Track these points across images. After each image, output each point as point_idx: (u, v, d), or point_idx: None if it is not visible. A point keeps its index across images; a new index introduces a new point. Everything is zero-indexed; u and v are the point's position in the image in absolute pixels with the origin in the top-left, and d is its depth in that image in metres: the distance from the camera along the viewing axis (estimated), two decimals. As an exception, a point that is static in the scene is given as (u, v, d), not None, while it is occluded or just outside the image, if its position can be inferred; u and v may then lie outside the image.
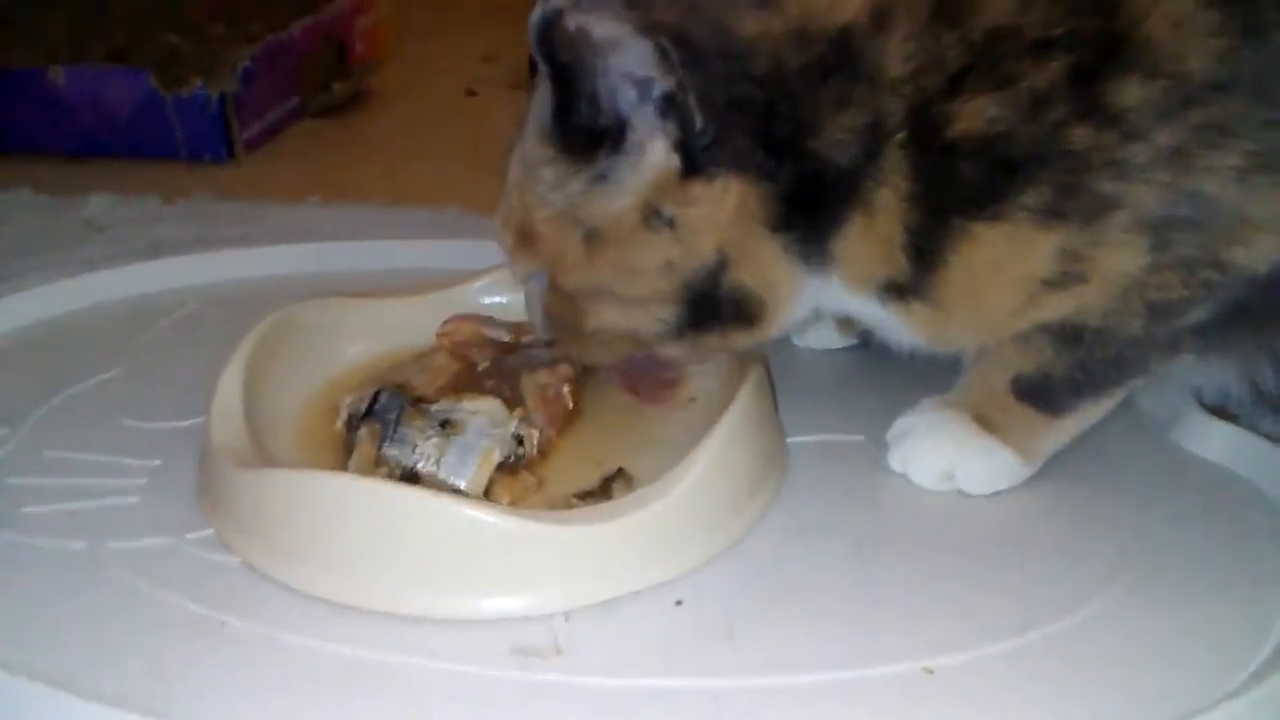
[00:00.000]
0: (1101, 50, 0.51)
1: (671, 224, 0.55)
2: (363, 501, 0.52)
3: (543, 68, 0.54)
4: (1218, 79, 0.51)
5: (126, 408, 0.68)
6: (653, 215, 0.55)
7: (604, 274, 0.57)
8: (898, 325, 0.60)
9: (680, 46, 0.51)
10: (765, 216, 0.55)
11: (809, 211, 0.55)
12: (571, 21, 0.51)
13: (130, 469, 0.62)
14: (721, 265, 0.55)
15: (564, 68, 0.52)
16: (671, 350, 0.61)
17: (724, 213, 0.55)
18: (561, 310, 0.60)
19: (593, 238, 0.56)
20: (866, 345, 0.74)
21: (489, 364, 0.65)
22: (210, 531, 0.57)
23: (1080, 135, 0.52)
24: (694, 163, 0.54)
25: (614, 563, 0.53)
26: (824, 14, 0.53)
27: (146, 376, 0.72)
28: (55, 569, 0.54)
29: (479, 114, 1.36)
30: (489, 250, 0.78)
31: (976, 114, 0.52)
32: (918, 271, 0.55)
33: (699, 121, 0.53)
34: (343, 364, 0.68)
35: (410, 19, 1.56)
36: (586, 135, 0.54)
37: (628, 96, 0.53)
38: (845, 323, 0.72)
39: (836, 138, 0.53)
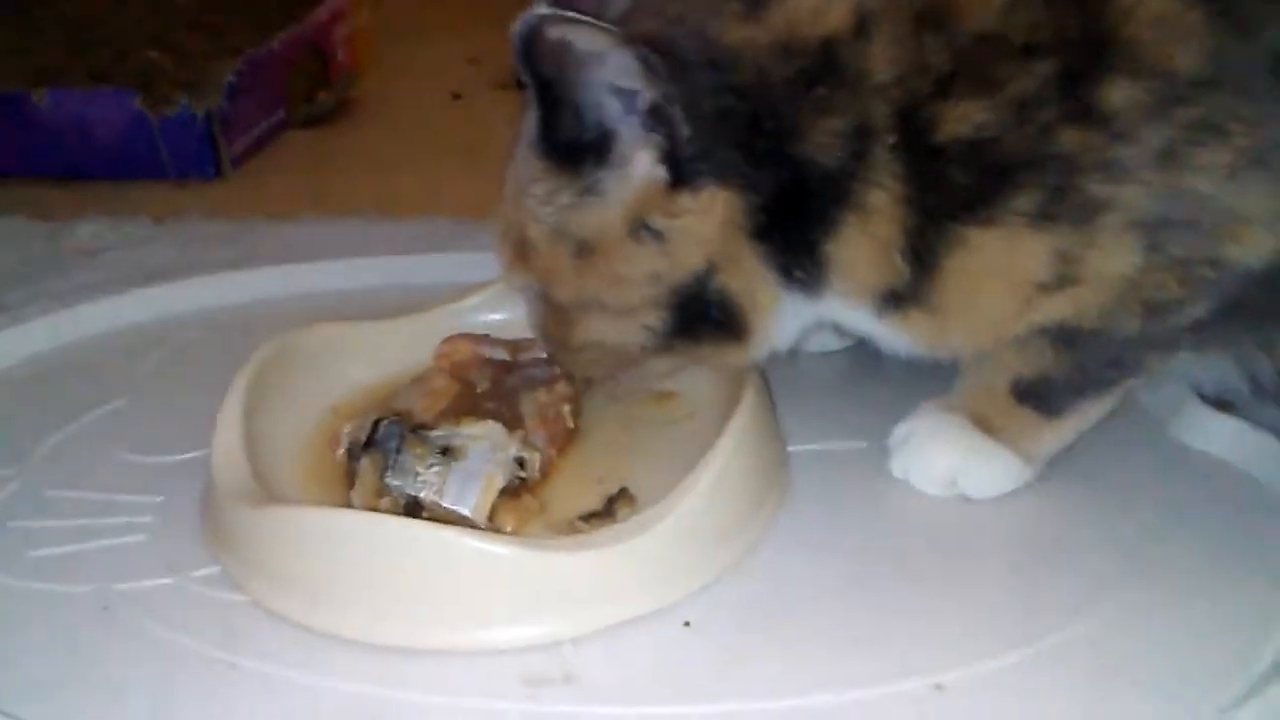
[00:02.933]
0: (1087, 53, 0.51)
1: (659, 236, 0.55)
2: (369, 537, 0.52)
3: (526, 80, 0.53)
4: (1204, 77, 0.51)
5: (129, 441, 0.68)
6: (640, 228, 0.55)
7: (593, 285, 0.57)
8: (894, 336, 0.60)
9: (664, 57, 0.51)
10: (749, 226, 0.55)
11: (796, 221, 0.55)
12: (553, 33, 0.50)
13: (134, 506, 0.62)
14: (710, 272, 0.56)
15: (547, 80, 0.52)
16: (658, 366, 0.61)
17: (710, 224, 0.55)
18: (553, 323, 0.61)
19: (583, 250, 0.56)
20: (865, 343, 0.74)
21: (489, 385, 0.65)
22: (217, 569, 0.57)
23: (1069, 138, 0.52)
24: (680, 173, 0.54)
25: (621, 587, 0.53)
26: (808, 25, 0.54)
27: (148, 408, 0.72)
28: (61, 614, 0.54)
29: (466, 117, 1.35)
30: (484, 263, 0.79)
31: (964, 118, 0.52)
32: (916, 277, 0.55)
33: (685, 131, 0.53)
34: (342, 389, 0.68)
35: (389, 24, 1.55)
36: (572, 148, 0.54)
37: (613, 108, 0.53)
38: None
39: (821, 141, 0.53)
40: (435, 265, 0.89)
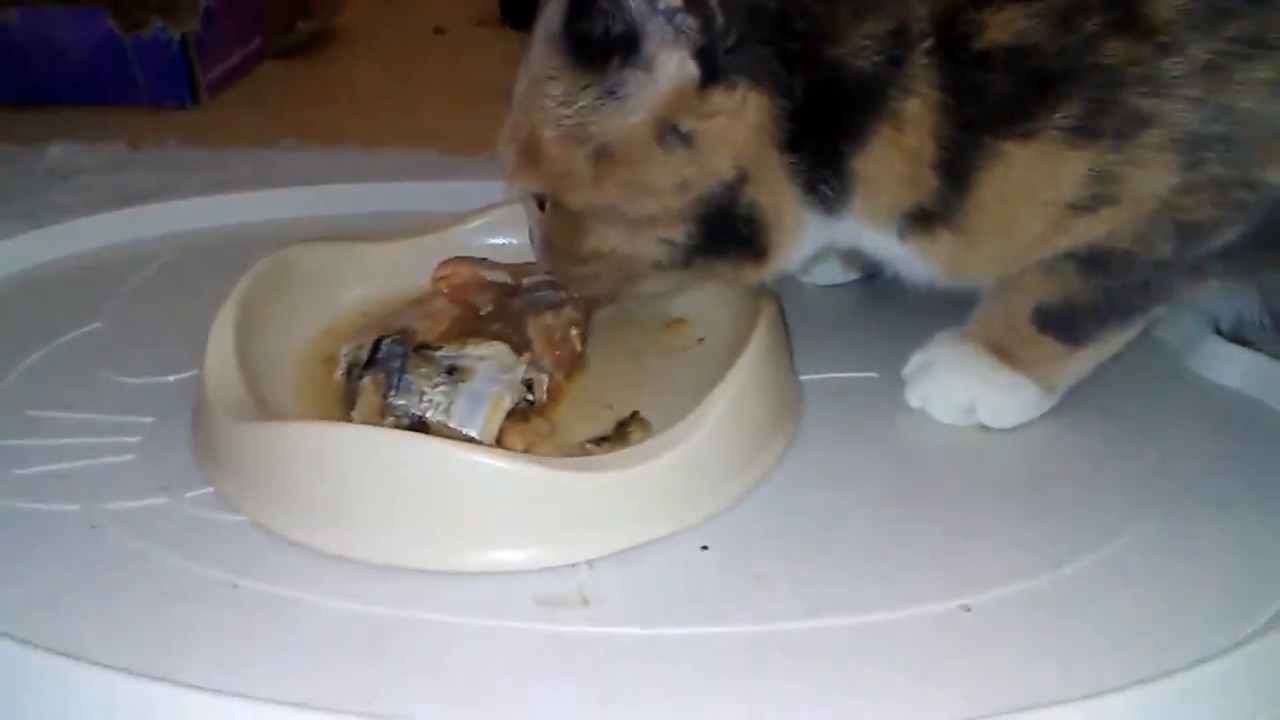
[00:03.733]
0: None
1: (688, 141, 0.53)
2: (378, 452, 0.50)
3: None
4: None
5: (111, 363, 0.65)
6: (668, 132, 0.53)
7: (612, 193, 0.55)
8: (915, 260, 0.58)
9: None
10: (779, 135, 0.53)
11: (826, 131, 0.53)
12: None
13: (121, 426, 0.59)
14: (740, 181, 0.54)
15: None
16: (660, 284, 0.59)
17: (742, 127, 0.53)
18: (559, 233, 0.58)
19: (602, 155, 0.54)
20: (872, 279, 0.73)
21: (492, 308, 0.63)
22: (210, 490, 0.54)
23: (1115, 49, 0.50)
24: (713, 69, 0.52)
25: (638, 509, 0.51)
26: None
27: (128, 330, 0.70)
28: (50, 533, 0.52)
29: (448, 52, 1.32)
30: (472, 193, 0.77)
31: (1006, 24, 0.51)
32: (948, 193, 0.54)
33: (720, 21, 0.51)
34: (336, 311, 0.66)
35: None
36: (598, 45, 0.52)
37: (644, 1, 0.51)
38: (850, 258, 0.70)
39: (858, 44, 0.52)
40: (420, 193, 0.87)
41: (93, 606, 0.48)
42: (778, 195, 0.55)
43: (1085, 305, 0.57)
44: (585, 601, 0.48)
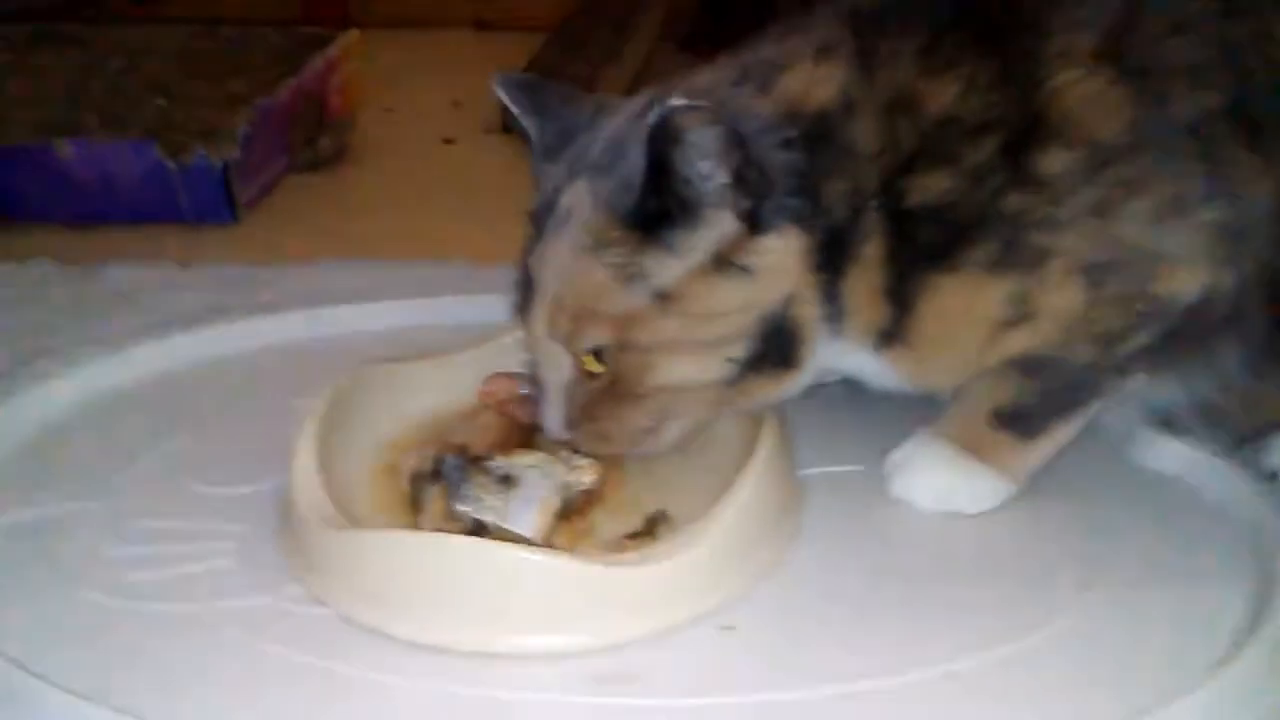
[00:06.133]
0: (1026, 128, 0.63)
1: (747, 270, 0.64)
2: (451, 556, 0.60)
3: (642, 158, 0.62)
4: (1127, 142, 0.62)
5: (197, 474, 0.74)
6: (727, 265, 0.64)
7: (680, 325, 0.64)
8: (887, 372, 0.69)
9: (734, 130, 0.61)
10: (811, 261, 0.65)
11: (832, 263, 0.65)
12: (677, 119, 0.60)
13: (219, 533, 0.68)
14: (789, 300, 0.65)
15: (662, 156, 0.61)
16: (700, 412, 0.68)
17: (790, 257, 0.64)
18: (621, 379, 0.65)
19: (665, 295, 0.64)
20: (848, 381, 0.82)
21: (531, 419, 0.73)
22: (304, 588, 0.63)
23: (1015, 200, 0.63)
24: (760, 222, 0.63)
25: (671, 596, 0.61)
26: (801, 100, 0.65)
27: (206, 442, 0.78)
28: (169, 631, 0.60)
29: (459, 161, 1.42)
30: (496, 304, 0.85)
31: (929, 187, 0.64)
32: (897, 317, 0.66)
33: (761, 187, 0.63)
34: (395, 425, 0.75)
35: (370, 70, 1.61)
36: (656, 216, 0.63)
37: (704, 175, 0.62)
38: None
39: (833, 200, 0.65)
40: (455, 307, 0.95)
41: (205, 688, 0.57)
42: (809, 313, 0.66)
43: (1032, 405, 0.69)
44: (632, 678, 0.57)
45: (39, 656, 0.57)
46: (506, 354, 0.79)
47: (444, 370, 0.79)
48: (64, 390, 0.83)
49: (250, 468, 0.73)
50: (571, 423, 0.67)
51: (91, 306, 1.01)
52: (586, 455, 0.69)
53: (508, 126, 1.41)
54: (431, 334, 0.87)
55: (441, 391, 0.77)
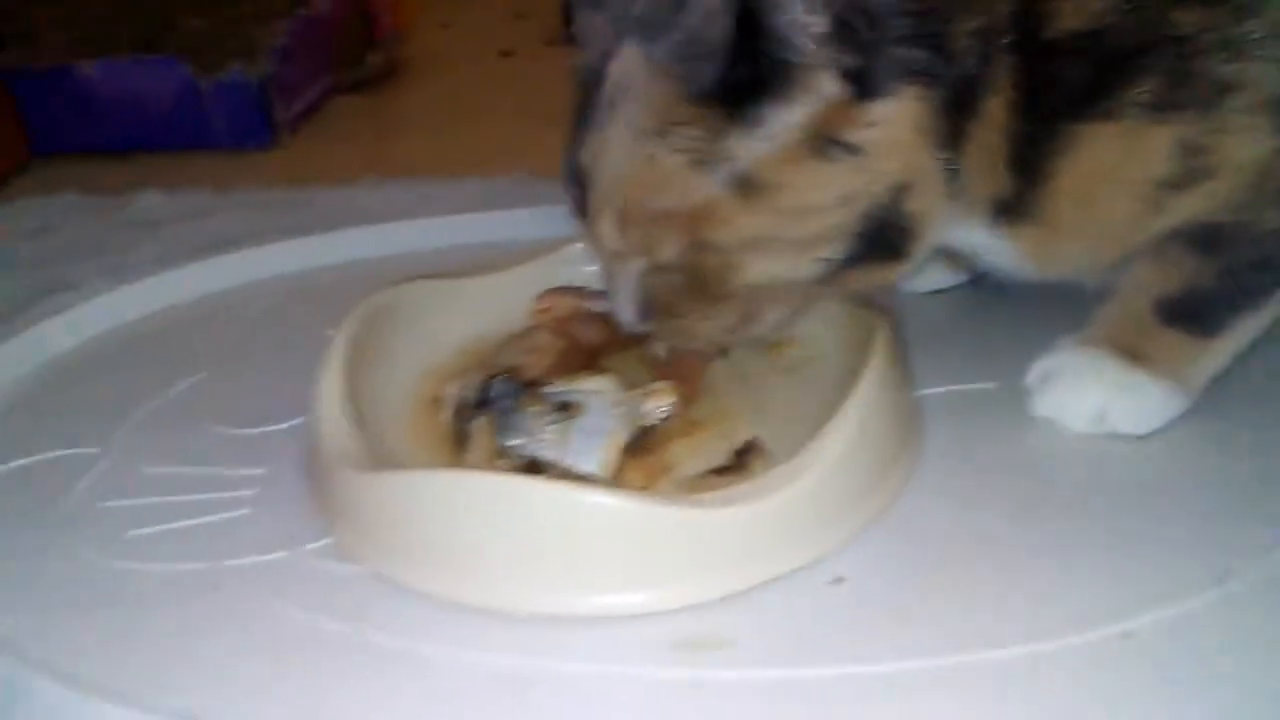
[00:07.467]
0: None
1: (855, 150, 0.51)
2: (502, 498, 0.49)
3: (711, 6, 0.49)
4: None
5: (217, 414, 0.65)
6: (829, 145, 0.51)
7: (766, 221, 0.53)
8: (1011, 252, 0.57)
9: None
10: (931, 132, 0.52)
11: (952, 130, 0.53)
12: None
13: (235, 480, 0.59)
14: (903, 189, 0.52)
15: (751, 11, 0.49)
16: (783, 312, 0.57)
17: (905, 130, 0.52)
18: (695, 279, 0.55)
19: (748, 186, 0.52)
20: (976, 284, 0.71)
21: (598, 340, 0.62)
22: (329, 541, 0.54)
23: (1189, 18, 0.50)
24: (869, 83, 0.51)
25: (768, 543, 0.49)
26: None
27: (231, 379, 0.70)
28: (172, 594, 0.52)
29: (517, 74, 1.32)
30: (557, 217, 0.75)
31: (1078, 10, 0.51)
32: (1022, 188, 0.54)
33: (871, 38, 0.50)
34: (437, 350, 0.65)
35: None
36: (740, 87, 0.51)
37: (801, 30, 0.49)
38: (955, 260, 0.68)
39: (963, 44, 0.52)
40: (507, 221, 0.86)
41: (223, 669, 0.47)
42: (930, 193, 0.53)
43: (1208, 291, 0.56)
44: (723, 643, 0.47)
45: (23, 630, 0.49)
46: (566, 267, 0.69)
47: (494, 286, 0.68)
48: (75, 327, 0.75)
49: (276, 405, 0.64)
50: (647, 314, 0.57)
51: (116, 237, 0.93)
52: (662, 379, 0.58)
53: (571, 37, 1.30)
54: (484, 253, 0.76)
55: (491, 311, 0.67)
